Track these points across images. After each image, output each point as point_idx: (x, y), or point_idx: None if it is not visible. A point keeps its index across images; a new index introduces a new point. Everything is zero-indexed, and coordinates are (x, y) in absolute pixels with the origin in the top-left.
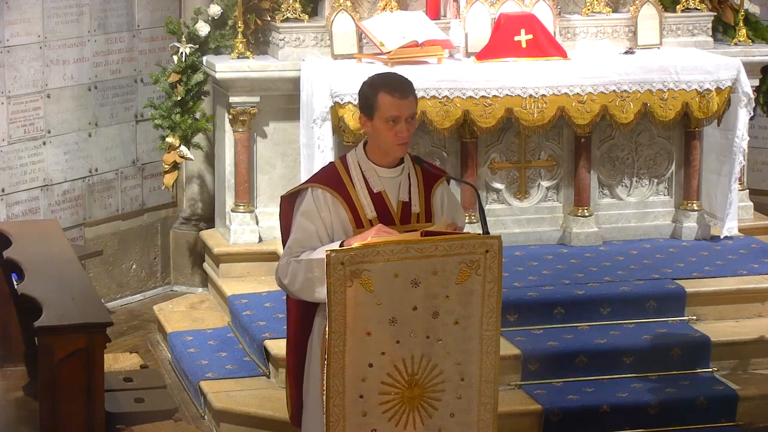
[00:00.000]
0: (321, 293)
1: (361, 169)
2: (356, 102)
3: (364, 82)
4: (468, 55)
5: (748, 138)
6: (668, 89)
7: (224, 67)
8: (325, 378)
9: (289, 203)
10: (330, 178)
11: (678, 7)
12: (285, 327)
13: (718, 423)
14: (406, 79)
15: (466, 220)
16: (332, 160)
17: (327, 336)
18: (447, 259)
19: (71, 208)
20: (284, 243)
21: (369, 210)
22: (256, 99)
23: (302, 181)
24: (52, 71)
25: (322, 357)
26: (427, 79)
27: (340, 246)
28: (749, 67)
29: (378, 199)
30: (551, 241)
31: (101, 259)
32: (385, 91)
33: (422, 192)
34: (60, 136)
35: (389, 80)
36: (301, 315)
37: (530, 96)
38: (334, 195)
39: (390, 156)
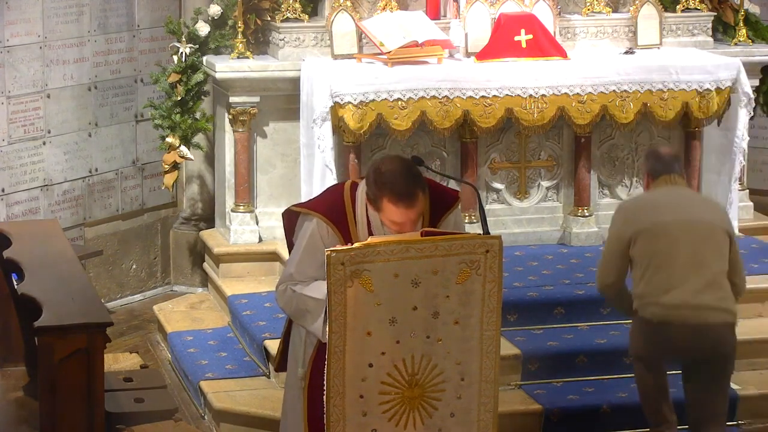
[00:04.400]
0: (312, 327)
1: (366, 211)
2: (356, 102)
3: (373, 172)
4: (468, 55)
5: (748, 138)
6: (668, 89)
7: (224, 67)
8: (325, 378)
9: (291, 219)
10: (334, 211)
11: (678, 7)
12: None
13: None
14: (416, 179)
15: (466, 220)
16: (332, 159)
17: (327, 336)
18: (447, 259)
19: (71, 208)
20: (289, 251)
21: None
22: (256, 99)
23: (305, 190)
24: (52, 71)
25: (310, 357)
26: (427, 79)
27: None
28: (749, 67)
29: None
30: (551, 241)
31: (101, 259)
32: (389, 200)
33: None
34: (60, 136)
35: (396, 187)
36: None
37: (530, 96)
38: (334, 231)
39: None
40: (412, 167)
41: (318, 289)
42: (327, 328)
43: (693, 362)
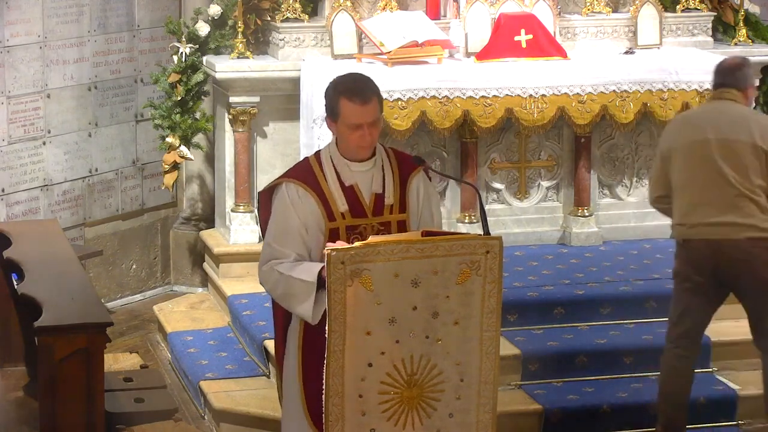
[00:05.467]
0: (299, 310)
1: (333, 163)
2: None
3: (329, 85)
4: (468, 55)
5: None
6: (668, 89)
7: (224, 67)
8: (324, 377)
9: (266, 198)
10: (303, 172)
11: (678, 7)
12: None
13: (718, 423)
14: (369, 82)
15: (466, 220)
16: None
17: (327, 335)
18: (447, 260)
19: (71, 208)
20: (263, 234)
21: (341, 203)
22: (256, 99)
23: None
24: (52, 71)
25: (299, 351)
26: (427, 79)
27: (320, 271)
28: None
29: (350, 192)
30: (551, 241)
31: (101, 259)
32: (346, 98)
33: (397, 183)
34: (60, 136)
35: (351, 86)
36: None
37: (530, 96)
38: (306, 189)
39: (356, 156)
40: (367, 79)
41: (306, 272)
42: (317, 312)
43: (731, 281)
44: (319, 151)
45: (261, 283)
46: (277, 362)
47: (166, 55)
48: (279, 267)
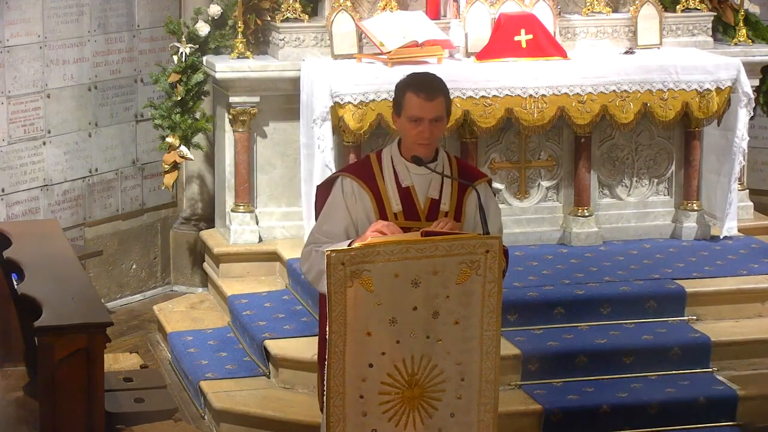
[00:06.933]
0: (325, 286)
1: (392, 163)
2: (356, 102)
3: (399, 80)
4: (468, 55)
5: (748, 138)
6: (668, 89)
7: (224, 67)
8: (325, 378)
9: (323, 192)
10: (361, 169)
11: (678, 7)
12: (286, 326)
13: (718, 423)
14: (439, 81)
15: None
16: (332, 159)
17: (327, 336)
18: (447, 260)
19: (71, 208)
20: None
21: (395, 203)
22: (256, 99)
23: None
24: (52, 71)
25: None
26: None
27: (350, 245)
28: (749, 67)
29: (405, 193)
30: (551, 241)
31: (101, 259)
32: (412, 91)
33: (455, 191)
34: (60, 136)
35: (419, 80)
36: None
37: (530, 96)
38: (361, 185)
39: (415, 153)
40: (437, 78)
41: (339, 246)
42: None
43: None
44: (381, 149)
45: (300, 269)
46: (319, 364)
47: (166, 55)
48: (317, 248)
